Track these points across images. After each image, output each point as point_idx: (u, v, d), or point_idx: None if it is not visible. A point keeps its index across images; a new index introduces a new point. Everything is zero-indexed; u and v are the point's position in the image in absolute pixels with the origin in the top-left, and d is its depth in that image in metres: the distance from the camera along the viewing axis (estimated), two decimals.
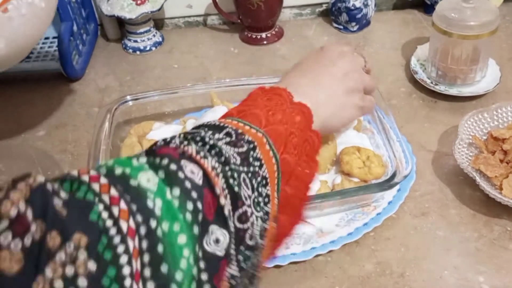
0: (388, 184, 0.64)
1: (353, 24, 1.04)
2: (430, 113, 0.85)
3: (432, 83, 0.88)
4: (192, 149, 0.40)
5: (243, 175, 0.41)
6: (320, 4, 1.12)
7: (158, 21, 1.13)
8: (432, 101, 0.87)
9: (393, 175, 0.64)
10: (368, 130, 0.76)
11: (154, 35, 1.08)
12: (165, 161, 0.37)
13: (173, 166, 0.37)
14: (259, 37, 1.06)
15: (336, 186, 0.68)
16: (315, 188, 0.66)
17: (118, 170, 0.35)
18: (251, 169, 0.43)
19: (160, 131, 0.78)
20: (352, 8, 1.02)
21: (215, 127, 0.45)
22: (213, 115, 0.75)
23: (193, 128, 0.47)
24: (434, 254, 0.64)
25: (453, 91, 0.86)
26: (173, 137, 0.43)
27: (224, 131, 0.44)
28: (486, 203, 0.68)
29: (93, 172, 0.34)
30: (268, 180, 0.44)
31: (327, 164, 0.71)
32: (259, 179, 0.43)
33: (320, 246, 0.64)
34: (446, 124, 0.82)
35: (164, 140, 0.43)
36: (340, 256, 0.64)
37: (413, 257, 0.64)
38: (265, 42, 1.06)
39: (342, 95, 0.59)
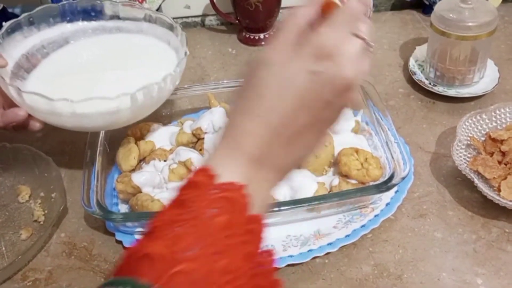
0: (386, 185, 0.63)
1: None
2: (428, 114, 0.84)
3: (430, 84, 0.87)
4: None
5: None
6: None
7: None
8: (430, 102, 0.87)
9: (391, 177, 0.64)
10: (366, 132, 0.76)
11: None
12: None
13: None
14: (257, 37, 1.06)
15: (333, 187, 0.68)
16: (312, 189, 0.66)
17: None
18: None
19: (157, 133, 0.78)
20: None
21: None
22: (211, 117, 0.75)
23: None
24: (432, 256, 0.63)
25: (452, 92, 0.85)
26: None
27: None
28: (484, 205, 0.68)
29: None
30: None
31: (324, 165, 0.70)
32: None
33: (318, 248, 0.64)
34: (444, 125, 0.82)
35: None
36: (337, 258, 0.64)
37: (411, 259, 0.63)
38: (263, 43, 1.06)
39: (323, 136, 0.44)
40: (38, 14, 0.73)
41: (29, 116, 0.65)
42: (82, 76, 0.72)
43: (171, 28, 0.75)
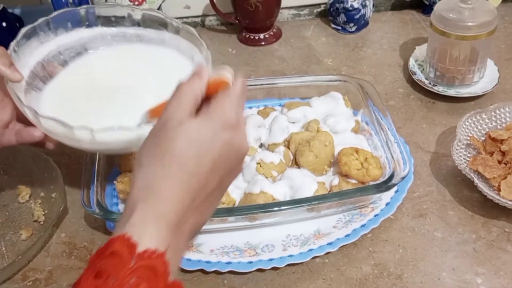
0: (385, 185, 0.63)
1: (351, 24, 1.04)
2: (428, 114, 0.84)
3: (430, 84, 0.87)
4: None
5: None
6: (318, 5, 1.12)
7: None
8: (430, 102, 0.87)
9: (391, 177, 0.64)
10: (366, 131, 0.76)
11: None
12: None
13: None
14: (257, 38, 1.06)
15: (333, 187, 0.68)
16: (312, 189, 0.66)
17: None
18: None
19: None
20: (350, 8, 1.02)
21: None
22: None
23: None
24: (432, 256, 0.63)
25: (451, 92, 0.85)
26: None
27: None
28: (484, 204, 0.68)
29: None
30: None
31: (324, 165, 0.70)
32: None
33: (318, 247, 0.64)
34: (444, 125, 0.82)
35: None
36: (337, 258, 0.64)
37: (411, 258, 0.63)
38: (263, 43, 1.06)
39: (221, 197, 0.48)
40: (56, 18, 0.69)
41: (45, 135, 0.62)
42: (99, 93, 0.67)
43: (195, 41, 0.69)
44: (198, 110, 0.45)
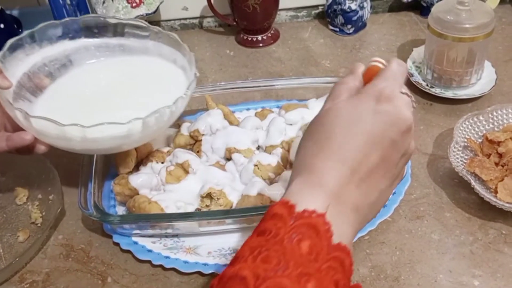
0: None
1: (349, 26, 1.04)
2: (426, 115, 0.84)
3: (427, 85, 0.88)
4: None
5: None
6: (316, 6, 1.12)
7: (153, 24, 1.12)
8: (428, 104, 0.87)
9: None
10: None
11: None
12: None
13: None
14: (255, 39, 1.06)
15: None
16: None
17: None
18: None
19: None
20: (348, 10, 1.02)
21: None
22: (208, 119, 0.75)
23: None
24: (429, 258, 0.64)
25: (449, 93, 0.86)
26: None
27: None
28: (481, 206, 0.68)
29: None
30: None
31: None
32: None
33: None
34: (442, 127, 0.82)
35: None
36: None
37: (408, 260, 0.63)
38: (261, 45, 1.06)
39: (392, 184, 0.47)
40: (41, 31, 0.71)
41: (35, 139, 0.63)
42: (90, 102, 0.70)
43: (177, 46, 0.73)
44: None
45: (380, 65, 0.47)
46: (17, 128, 0.63)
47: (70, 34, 0.74)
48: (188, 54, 0.71)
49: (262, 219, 0.40)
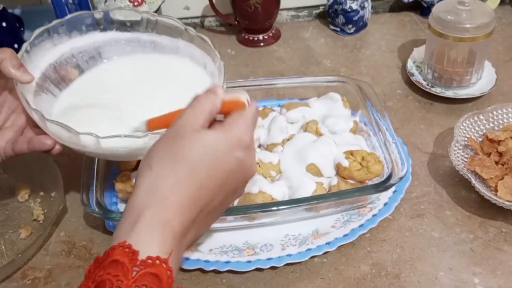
0: (383, 185, 0.64)
1: (350, 26, 1.05)
2: (426, 115, 0.85)
3: (428, 85, 0.88)
4: None
5: None
6: (317, 6, 1.12)
7: None
8: (428, 103, 0.87)
9: (389, 177, 0.64)
10: (364, 132, 0.77)
11: None
12: None
13: None
14: (256, 39, 1.06)
15: (332, 187, 0.68)
16: (311, 189, 0.66)
17: None
18: None
19: None
20: (349, 10, 1.02)
21: None
22: None
23: None
24: (430, 256, 0.64)
25: (449, 93, 0.86)
26: None
27: None
28: (482, 205, 0.69)
29: None
30: None
31: None
32: None
33: (316, 247, 0.64)
34: (442, 126, 0.82)
35: None
36: (335, 258, 0.64)
37: (409, 258, 0.64)
38: (262, 44, 1.06)
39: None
40: (71, 21, 0.68)
41: (54, 141, 0.61)
42: (111, 102, 0.67)
43: (208, 51, 0.69)
44: (211, 125, 0.45)
45: (245, 102, 0.46)
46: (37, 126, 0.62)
47: (101, 25, 0.71)
48: (218, 62, 0.68)
49: (97, 263, 0.37)
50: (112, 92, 0.69)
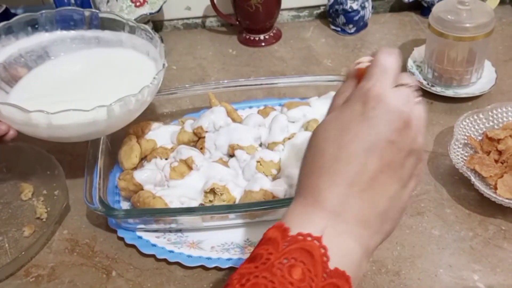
0: None
1: (351, 26, 1.05)
2: (426, 114, 0.85)
3: (428, 84, 0.88)
4: None
5: None
6: (318, 6, 1.13)
7: (157, 23, 1.14)
8: (428, 102, 0.88)
9: None
10: None
11: None
12: None
13: None
14: (257, 39, 1.07)
15: None
16: None
17: None
18: None
19: (158, 131, 0.79)
20: (350, 10, 1.03)
21: None
22: (212, 116, 0.76)
23: None
24: (430, 253, 0.64)
25: (449, 92, 0.86)
26: None
27: None
28: (481, 203, 0.69)
29: None
30: None
31: None
32: None
33: None
34: (442, 125, 0.83)
35: None
36: None
37: (409, 255, 0.64)
38: (263, 44, 1.07)
39: (405, 187, 0.42)
40: (16, 23, 0.73)
41: (8, 127, 0.65)
42: (63, 92, 0.72)
43: (150, 38, 0.75)
44: None
45: (364, 66, 0.44)
46: None
47: (46, 26, 0.76)
48: (159, 46, 0.73)
49: (257, 244, 0.39)
50: (61, 84, 0.74)
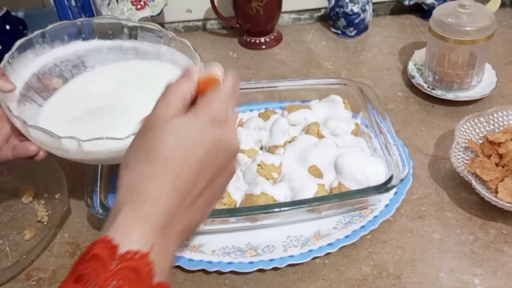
0: (385, 187, 0.64)
1: (351, 29, 1.05)
2: (427, 117, 0.85)
3: (429, 87, 0.89)
4: None
5: None
6: (319, 9, 1.13)
7: None
8: (429, 106, 0.88)
9: (390, 179, 0.65)
10: (366, 134, 0.77)
11: None
12: None
13: None
14: (258, 41, 1.07)
15: (333, 189, 0.69)
16: (312, 191, 0.67)
17: None
18: None
19: None
20: (350, 13, 1.03)
21: None
22: None
23: None
24: (430, 257, 0.64)
25: (450, 95, 0.86)
26: None
27: None
28: (482, 206, 0.69)
29: None
30: None
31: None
32: None
33: (318, 248, 0.65)
34: (443, 128, 0.83)
35: None
36: (337, 259, 0.65)
37: (410, 259, 0.64)
38: (263, 47, 1.07)
39: (216, 200, 0.47)
40: (53, 31, 0.69)
41: (39, 148, 0.62)
42: (95, 110, 0.68)
43: (189, 54, 0.70)
44: (188, 110, 0.44)
45: (217, 77, 0.46)
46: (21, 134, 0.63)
47: (83, 34, 0.72)
48: (199, 63, 0.68)
49: (80, 258, 0.38)
50: (95, 101, 0.69)
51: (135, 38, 0.73)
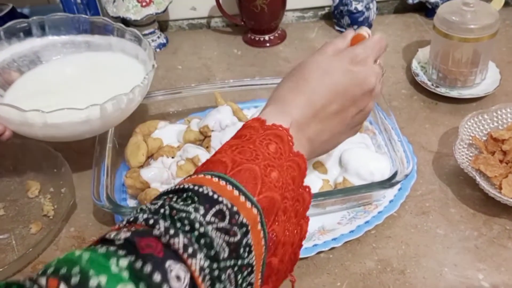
0: (389, 183, 0.65)
1: (355, 27, 1.06)
2: (431, 114, 0.86)
3: (433, 85, 0.89)
4: (179, 242, 0.35)
5: (229, 271, 0.38)
6: (323, 7, 1.13)
7: (162, 23, 1.14)
8: (433, 103, 0.88)
9: (394, 174, 0.65)
10: (370, 131, 0.78)
11: (158, 37, 1.09)
12: (148, 268, 0.32)
13: (156, 277, 0.32)
14: (262, 39, 1.07)
15: (338, 184, 0.69)
16: (317, 186, 0.67)
17: (93, 283, 0.31)
18: (239, 262, 0.39)
19: (164, 130, 0.79)
20: (354, 11, 1.03)
21: (208, 199, 0.39)
22: (218, 115, 0.77)
23: (182, 189, 0.41)
24: (434, 252, 0.65)
25: (454, 93, 0.87)
26: (158, 213, 0.38)
27: (217, 208, 0.39)
28: (486, 202, 0.70)
29: (63, 286, 0.30)
30: (254, 267, 0.40)
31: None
32: (245, 273, 0.39)
33: (322, 243, 0.65)
34: (447, 126, 0.83)
35: (149, 219, 0.37)
36: (341, 253, 0.65)
37: (414, 254, 0.65)
38: (268, 44, 1.07)
39: (345, 133, 0.57)
40: (9, 29, 0.76)
41: (4, 128, 0.67)
42: (55, 94, 0.73)
43: (139, 42, 0.77)
44: None
45: (366, 35, 0.57)
46: None
47: (38, 31, 0.78)
48: (148, 49, 0.75)
49: (239, 129, 0.49)
50: (54, 86, 0.75)
51: (87, 32, 0.80)
